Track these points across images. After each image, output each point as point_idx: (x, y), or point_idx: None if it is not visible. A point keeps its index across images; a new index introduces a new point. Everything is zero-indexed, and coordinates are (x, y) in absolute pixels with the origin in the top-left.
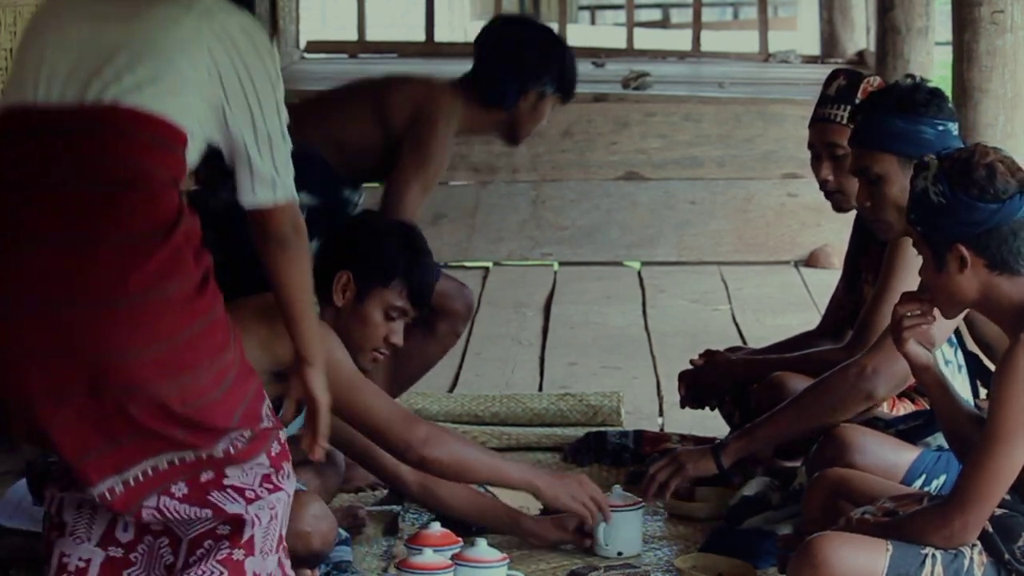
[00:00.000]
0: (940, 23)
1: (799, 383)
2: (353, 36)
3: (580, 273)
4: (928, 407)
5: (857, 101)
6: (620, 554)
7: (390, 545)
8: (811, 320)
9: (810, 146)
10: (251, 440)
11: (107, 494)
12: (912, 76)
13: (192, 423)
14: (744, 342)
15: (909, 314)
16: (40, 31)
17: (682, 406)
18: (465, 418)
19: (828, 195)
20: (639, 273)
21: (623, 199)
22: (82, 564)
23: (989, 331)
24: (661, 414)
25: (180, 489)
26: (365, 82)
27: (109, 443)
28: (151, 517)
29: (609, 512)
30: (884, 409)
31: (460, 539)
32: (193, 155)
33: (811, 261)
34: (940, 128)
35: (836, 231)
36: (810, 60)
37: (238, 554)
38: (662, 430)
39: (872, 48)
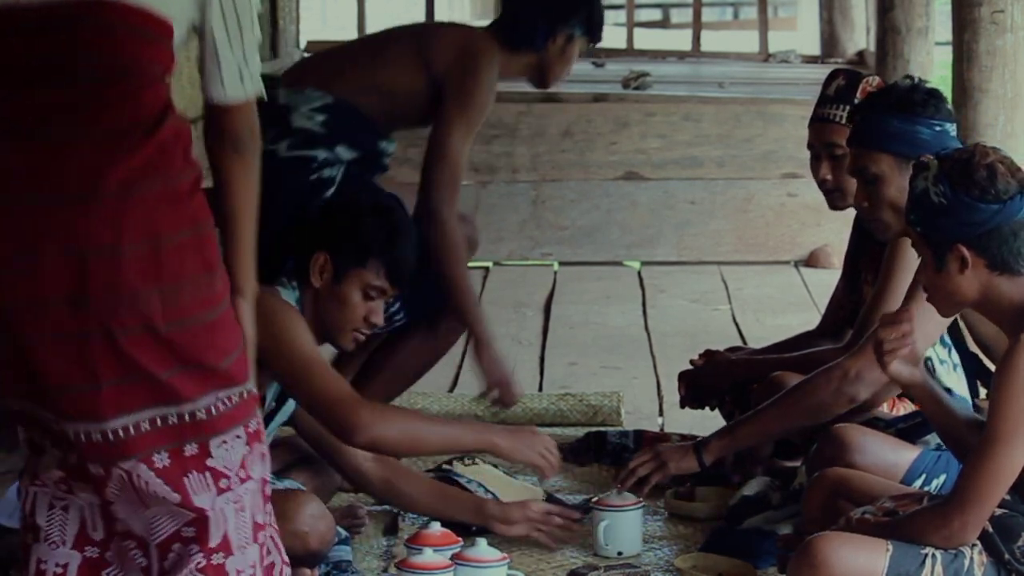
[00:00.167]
0: (940, 23)
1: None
2: (353, 36)
3: (580, 273)
4: None
5: (856, 101)
6: (620, 554)
7: (390, 545)
8: (811, 320)
9: (809, 146)
10: (238, 404)
11: (82, 435)
12: (910, 77)
13: (177, 353)
14: (744, 342)
15: (890, 338)
16: None
17: (682, 406)
18: (466, 418)
19: (826, 193)
20: (639, 273)
21: (623, 199)
22: (59, 570)
23: (986, 331)
24: (661, 414)
25: (162, 460)
26: (403, 28)
27: (90, 382)
28: (119, 482)
29: (556, 465)
30: (884, 409)
31: (460, 539)
32: (178, 46)
33: (811, 261)
34: (937, 128)
35: (836, 231)
36: (810, 60)
37: (217, 558)
38: (662, 430)
39: (872, 48)
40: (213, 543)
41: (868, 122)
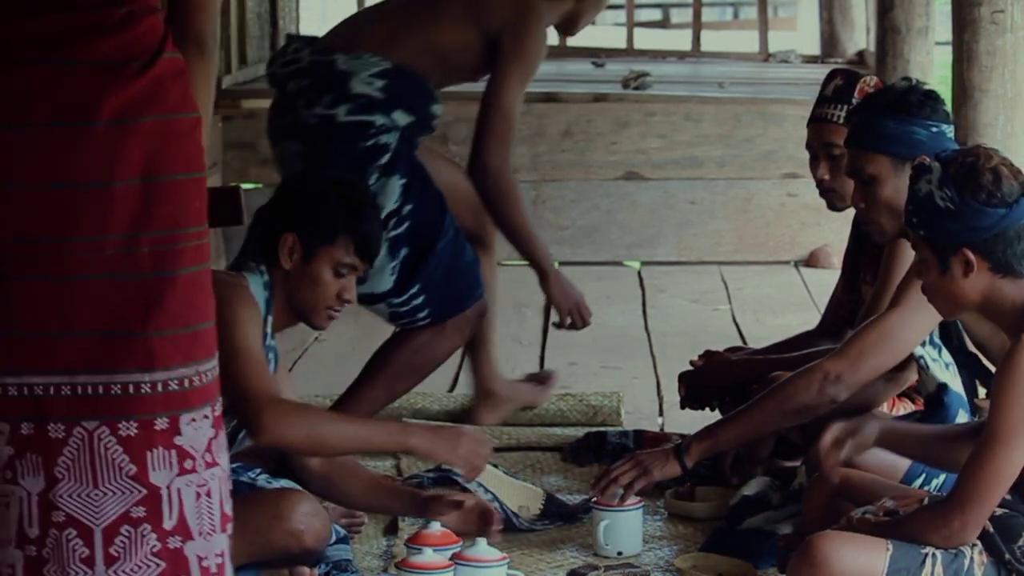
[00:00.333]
0: (940, 23)
1: None
2: None
3: (580, 273)
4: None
5: (854, 101)
6: (620, 554)
7: (390, 545)
8: (811, 320)
9: (808, 146)
10: (211, 381)
11: (51, 389)
12: (908, 78)
13: (160, 308)
14: (744, 342)
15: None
16: None
17: (682, 407)
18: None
19: (823, 193)
20: (639, 273)
21: (623, 199)
22: (8, 571)
23: (981, 330)
24: (661, 414)
25: (128, 428)
26: None
27: (66, 330)
28: (75, 449)
29: (480, 468)
30: (884, 409)
31: (460, 539)
32: None
33: (811, 261)
34: (934, 130)
35: (836, 231)
36: (810, 60)
37: (174, 542)
38: (662, 430)
39: (872, 48)
40: (167, 524)
41: (865, 123)
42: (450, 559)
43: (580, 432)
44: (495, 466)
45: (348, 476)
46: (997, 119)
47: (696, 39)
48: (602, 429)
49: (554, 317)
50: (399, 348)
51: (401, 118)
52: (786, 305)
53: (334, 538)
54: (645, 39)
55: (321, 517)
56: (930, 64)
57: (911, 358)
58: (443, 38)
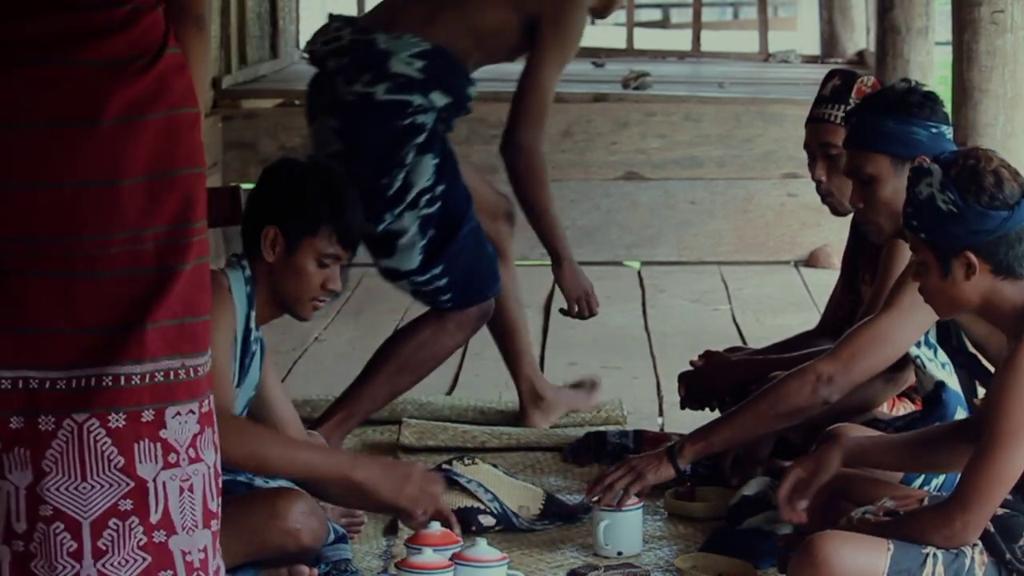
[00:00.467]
0: (940, 23)
1: None
2: None
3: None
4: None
5: (851, 101)
6: (620, 554)
7: (390, 545)
8: (811, 320)
9: (805, 146)
10: (205, 375)
11: (47, 383)
12: (907, 80)
13: (157, 301)
14: (744, 342)
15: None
16: None
17: (682, 407)
18: (470, 414)
19: (824, 198)
20: (639, 273)
21: (623, 199)
22: None
23: (979, 330)
24: (661, 414)
25: (117, 420)
26: None
27: (68, 326)
28: (64, 442)
29: (427, 515)
30: (884, 409)
31: (460, 539)
32: None
33: (811, 261)
34: (933, 131)
35: (836, 231)
36: (810, 60)
37: (159, 536)
38: (662, 430)
39: (872, 48)
40: (153, 518)
41: (864, 123)
42: (450, 559)
43: (580, 432)
44: (495, 466)
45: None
46: (997, 119)
47: (696, 39)
48: (602, 429)
49: (563, 304)
50: (401, 344)
51: (439, 99)
52: (786, 305)
53: (332, 537)
54: (645, 39)
55: (318, 515)
56: (930, 64)
57: (909, 358)
58: (483, 19)
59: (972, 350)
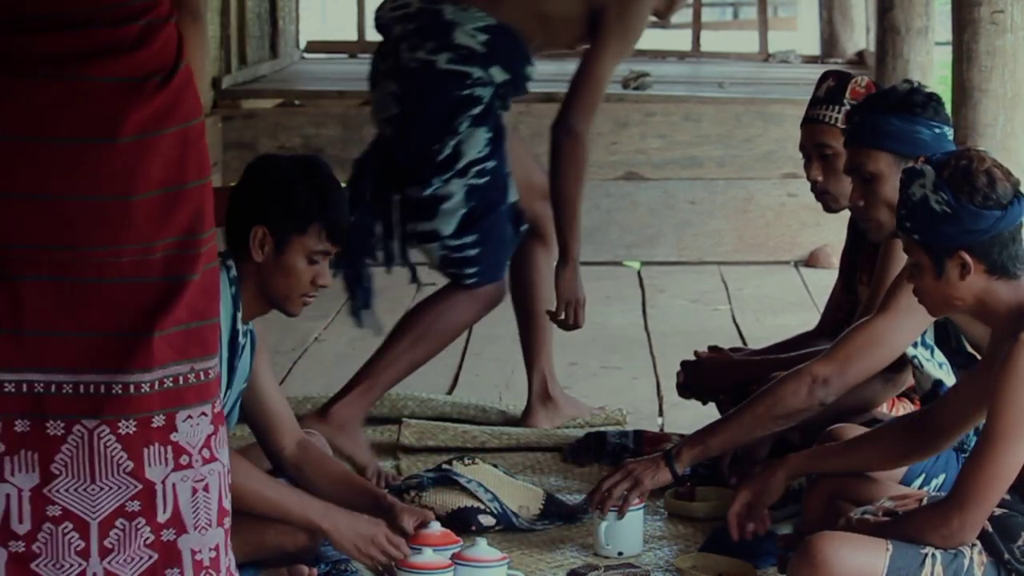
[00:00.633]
0: (940, 23)
1: None
2: (353, 36)
3: (580, 273)
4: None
5: (845, 102)
6: (621, 554)
7: None
8: (811, 320)
9: (801, 147)
10: (213, 379)
11: (52, 387)
12: (909, 80)
13: (165, 309)
14: (744, 342)
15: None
16: None
17: (678, 393)
18: (471, 411)
19: (818, 196)
20: (639, 273)
21: (623, 199)
22: None
23: (975, 331)
24: (661, 414)
25: (127, 427)
26: None
27: (73, 330)
28: (73, 447)
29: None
30: (883, 409)
31: (460, 539)
32: None
33: (811, 261)
34: (936, 131)
35: (836, 231)
36: (810, 60)
37: (167, 535)
38: (662, 430)
39: (872, 48)
40: (160, 518)
41: (868, 121)
42: (450, 559)
43: (580, 432)
44: (495, 466)
45: (318, 467)
46: (997, 119)
47: (696, 39)
48: (602, 429)
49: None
50: (420, 315)
51: (498, 74)
52: (786, 305)
53: None
54: (645, 39)
55: None
56: (930, 64)
57: (907, 359)
58: (550, 6)
59: (971, 350)
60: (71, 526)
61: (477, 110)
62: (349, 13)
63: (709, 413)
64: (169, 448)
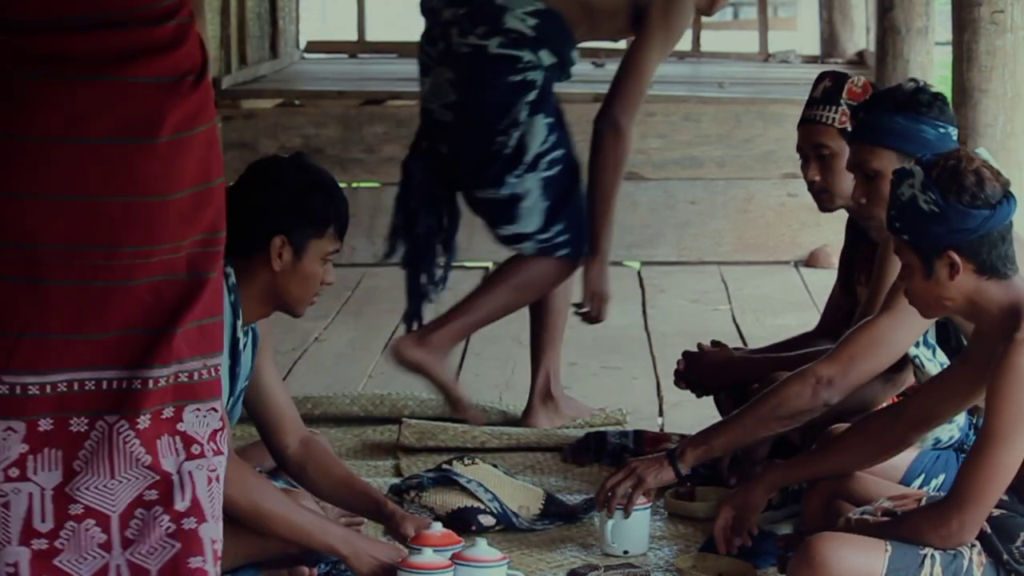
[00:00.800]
0: (940, 23)
1: None
2: (353, 36)
3: (580, 273)
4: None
5: (842, 102)
6: (626, 552)
7: None
8: (811, 320)
9: (798, 148)
10: (219, 376)
11: (75, 384)
12: (915, 80)
13: (186, 306)
14: (744, 342)
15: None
16: None
17: (675, 381)
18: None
19: (815, 195)
20: (639, 273)
21: (623, 199)
22: (11, 569)
23: (970, 330)
24: (661, 414)
25: (144, 421)
26: None
27: (97, 331)
28: (95, 442)
29: None
30: None
31: (460, 539)
32: None
33: (811, 261)
34: (941, 131)
35: (836, 231)
36: (810, 60)
37: (188, 523)
38: (662, 430)
39: (872, 48)
40: (180, 506)
41: (873, 118)
42: (450, 559)
43: (580, 432)
44: (495, 466)
45: (321, 467)
46: (997, 119)
47: (696, 39)
48: (602, 429)
49: (578, 298)
50: (514, 264)
51: (546, 58)
52: (786, 305)
53: None
54: None
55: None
56: (930, 64)
57: (908, 359)
58: None
59: None
60: (93, 522)
61: (532, 95)
62: (349, 13)
63: (709, 413)
64: (178, 438)
